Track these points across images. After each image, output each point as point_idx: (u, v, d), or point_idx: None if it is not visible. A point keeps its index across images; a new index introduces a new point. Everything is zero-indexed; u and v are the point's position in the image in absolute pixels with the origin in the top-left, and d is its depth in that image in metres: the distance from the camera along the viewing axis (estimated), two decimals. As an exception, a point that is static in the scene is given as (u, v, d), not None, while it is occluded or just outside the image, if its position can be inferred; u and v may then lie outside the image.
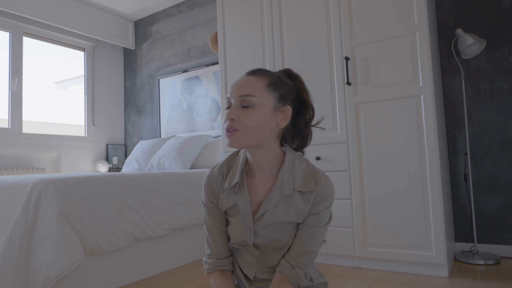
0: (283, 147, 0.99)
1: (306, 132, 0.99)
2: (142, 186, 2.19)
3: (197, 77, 3.77)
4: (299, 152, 1.01)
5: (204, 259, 1.04)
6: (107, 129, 4.28)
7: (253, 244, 0.98)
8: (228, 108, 0.95)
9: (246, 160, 1.00)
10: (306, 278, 0.95)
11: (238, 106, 0.92)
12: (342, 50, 2.27)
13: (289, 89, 0.97)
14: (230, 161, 1.03)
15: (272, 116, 0.93)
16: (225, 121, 0.93)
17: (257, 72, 0.96)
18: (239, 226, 0.97)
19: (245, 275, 1.02)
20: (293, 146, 1.00)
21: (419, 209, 2.00)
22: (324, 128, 1.02)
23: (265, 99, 0.92)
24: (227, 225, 1.03)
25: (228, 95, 0.96)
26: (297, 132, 0.99)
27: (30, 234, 1.65)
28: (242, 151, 1.02)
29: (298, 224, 0.98)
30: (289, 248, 0.97)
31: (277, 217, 0.94)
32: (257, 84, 0.93)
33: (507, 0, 2.34)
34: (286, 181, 0.94)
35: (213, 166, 1.04)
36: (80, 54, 4.16)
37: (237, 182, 0.96)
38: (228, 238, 1.02)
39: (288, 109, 0.95)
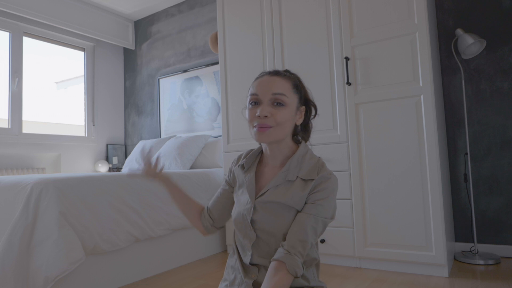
0: (301, 143, 1.10)
1: (309, 126, 1.14)
2: (142, 186, 2.19)
3: (197, 77, 3.77)
4: (316, 155, 1.10)
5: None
6: (107, 129, 4.28)
7: (251, 225, 1.02)
8: (255, 103, 1.02)
9: (262, 150, 1.13)
10: (303, 267, 0.96)
11: (269, 104, 1.00)
12: (342, 50, 2.27)
13: (302, 91, 1.09)
14: (252, 150, 1.19)
15: (294, 115, 1.05)
16: (255, 115, 1.00)
17: (280, 74, 1.05)
18: (242, 201, 1.07)
19: (243, 266, 1.05)
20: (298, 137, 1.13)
21: (419, 209, 2.00)
22: (318, 114, 1.13)
23: (292, 99, 1.03)
24: (228, 207, 1.19)
25: (256, 92, 1.02)
26: (304, 127, 1.13)
27: (30, 234, 1.65)
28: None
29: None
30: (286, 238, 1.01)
31: (275, 196, 1.01)
32: (286, 84, 1.03)
33: (507, 0, 2.34)
34: (293, 168, 1.03)
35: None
36: (80, 54, 4.16)
37: (247, 160, 1.11)
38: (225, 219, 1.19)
39: (303, 109, 1.09)
